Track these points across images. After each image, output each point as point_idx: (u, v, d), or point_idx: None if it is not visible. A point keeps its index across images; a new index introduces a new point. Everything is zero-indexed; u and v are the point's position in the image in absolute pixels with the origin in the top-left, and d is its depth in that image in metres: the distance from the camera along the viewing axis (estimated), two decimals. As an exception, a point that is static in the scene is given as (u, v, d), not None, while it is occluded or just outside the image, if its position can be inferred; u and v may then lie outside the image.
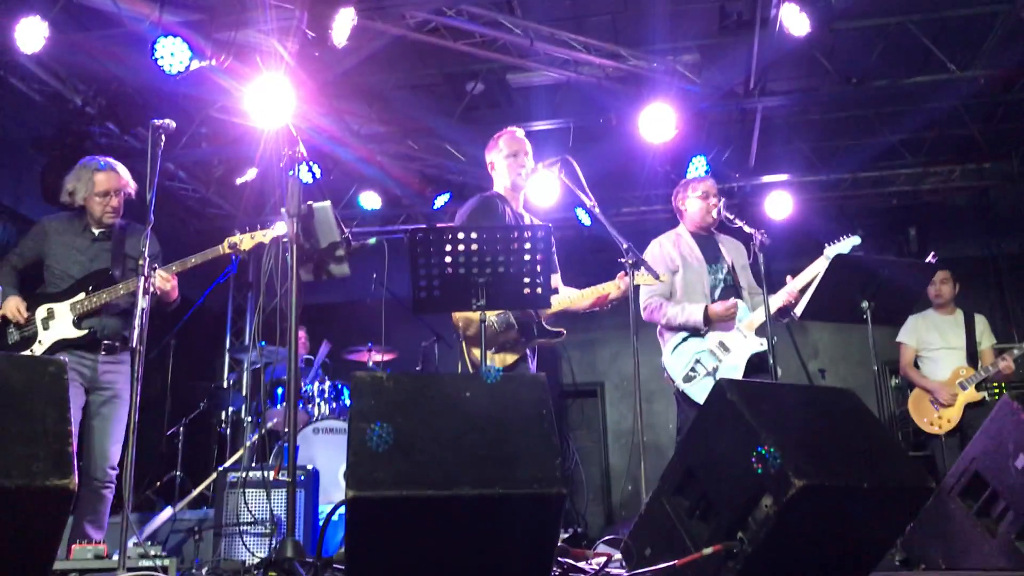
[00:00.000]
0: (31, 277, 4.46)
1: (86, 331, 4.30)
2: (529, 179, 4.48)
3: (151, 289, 3.65)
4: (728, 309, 4.71)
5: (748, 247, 4.79)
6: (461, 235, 3.54)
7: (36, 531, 2.43)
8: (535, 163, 4.50)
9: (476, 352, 4.10)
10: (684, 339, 4.81)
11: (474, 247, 3.51)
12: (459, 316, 4.18)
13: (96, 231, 4.50)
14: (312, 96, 6.81)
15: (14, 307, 4.28)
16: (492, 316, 4.12)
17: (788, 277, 4.72)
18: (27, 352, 4.23)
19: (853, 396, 3.36)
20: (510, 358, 4.16)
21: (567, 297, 4.23)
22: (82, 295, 4.32)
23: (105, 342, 4.34)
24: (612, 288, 4.22)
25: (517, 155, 4.46)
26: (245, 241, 4.34)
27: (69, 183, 4.51)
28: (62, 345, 4.26)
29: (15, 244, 4.64)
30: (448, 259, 3.52)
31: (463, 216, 4.35)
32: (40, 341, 4.28)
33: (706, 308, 4.72)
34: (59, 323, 4.30)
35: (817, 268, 4.62)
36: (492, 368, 3.98)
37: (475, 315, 4.04)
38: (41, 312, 4.32)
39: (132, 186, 4.56)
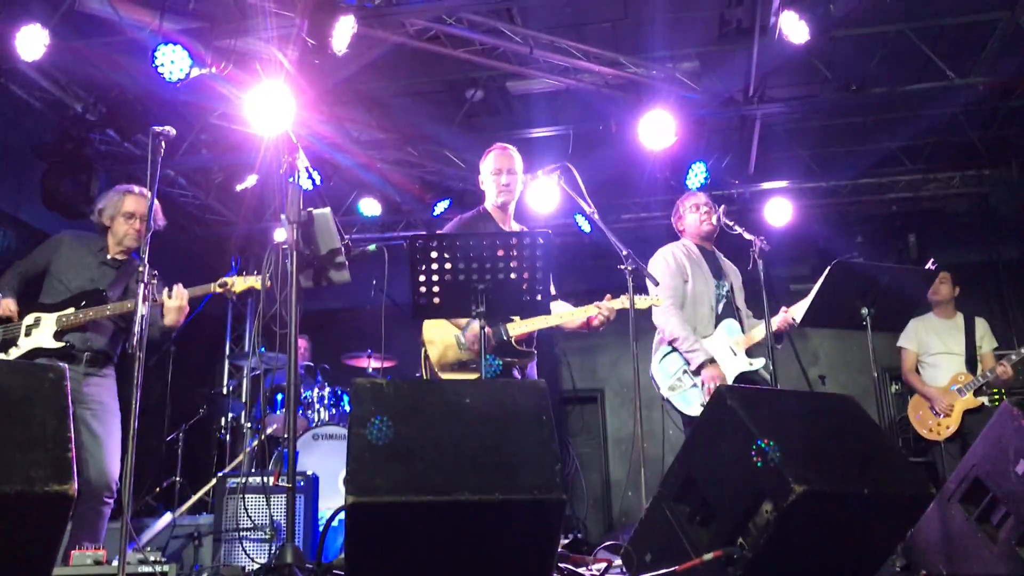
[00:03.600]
0: (36, 287, 4.47)
1: (63, 344, 4.28)
2: (518, 193, 4.47)
3: (150, 298, 3.63)
4: (718, 379, 4.61)
5: (748, 254, 4.78)
6: (461, 242, 3.55)
7: (35, 537, 2.43)
8: (535, 171, 4.51)
9: (446, 377, 4.11)
10: (674, 350, 4.82)
11: (474, 253, 3.51)
12: (429, 340, 4.17)
13: (110, 256, 4.53)
14: (312, 103, 6.83)
15: (5, 306, 4.28)
16: (460, 335, 4.12)
17: (783, 309, 4.72)
18: (2, 355, 4.22)
19: (853, 402, 3.36)
20: (472, 377, 4.11)
21: (555, 314, 4.18)
22: (71, 309, 4.32)
23: (87, 354, 4.33)
24: (594, 310, 4.13)
25: (501, 172, 4.41)
26: (237, 283, 4.31)
27: (100, 202, 4.61)
28: (37, 354, 4.23)
29: (17, 251, 4.66)
30: (448, 265, 3.52)
31: None
32: (18, 345, 4.26)
33: (711, 360, 4.65)
34: (41, 332, 4.29)
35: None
36: (493, 362, 3.98)
37: (448, 339, 4.12)
38: (28, 319, 4.31)
39: (161, 220, 4.46)
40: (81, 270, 4.45)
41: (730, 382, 4.68)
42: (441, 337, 4.14)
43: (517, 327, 4.12)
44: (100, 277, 4.48)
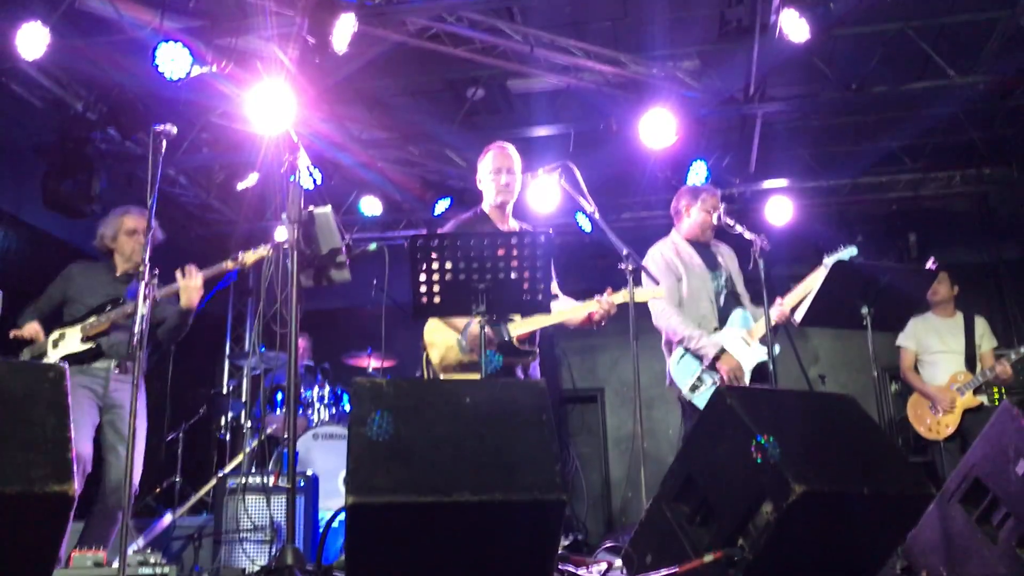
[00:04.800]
0: (55, 318, 4.65)
1: (90, 345, 4.44)
2: (516, 193, 4.46)
3: (152, 294, 3.63)
4: (737, 370, 4.64)
5: (748, 253, 4.77)
6: (461, 241, 3.55)
7: (35, 538, 2.43)
8: (536, 169, 4.50)
9: (447, 378, 4.10)
10: (688, 349, 4.80)
11: (474, 253, 3.51)
12: (431, 342, 4.17)
13: (119, 274, 4.71)
14: (313, 102, 6.82)
15: (32, 328, 4.48)
16: (461, 337, 4.12)
17: (778, 299, 4.70)
18: None
19: (853, 402, 3.36)
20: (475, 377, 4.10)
21: (559, 311, 4.17)
22: (93, 318, 4.49)
23: (114, 359, 4.48)
24: (594, 305, 4.13)
25: (500, 172, 4.40)
26: (248, 256, 4.45)
27: (101, 228, 4.80)
28: (67, 360, 4.37)
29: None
30: (448, 265, 3.52)
31: None
32: (48, 358, 4.42)
33: (723, 351, 4.66)
34: (67, 341, 4.47)
35: (813, 281, 4.60)
36: (494, 359, 3.97)
37: (448, 340, 4.12)
38: (53, 335, 4.50)
39: (160, 234, 4.63)
40: (97, 289, 4.64)
41: (748, 372, 4.67)
42: (442, 340, 4.14)
43: (518, 327, 4.12)
44: (115, 290, 4.64)
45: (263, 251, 4.41)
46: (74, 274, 4.71)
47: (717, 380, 4.64)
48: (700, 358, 4.71)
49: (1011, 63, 6.75)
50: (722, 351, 4.66)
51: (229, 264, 4.45)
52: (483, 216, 4.45)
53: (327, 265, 3.92)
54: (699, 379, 4.70)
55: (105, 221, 4.82)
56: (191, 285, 4.41)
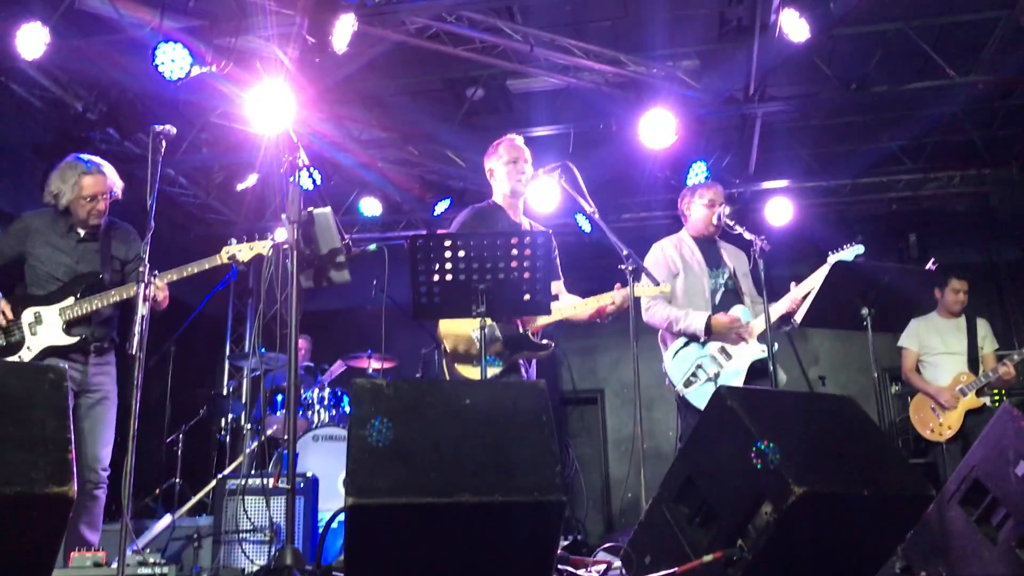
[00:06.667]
0: (10, 275, 4.33)
1: (77, 338, 4.22)
2: (529, 185, 4.46)
3: (151, 296, 3.61)
4: (732, 323, 4.67)
5: (749, 253, 4.77)
6: (461, 241, 3.54)
7: (35, 538, 2.43)
8: (535, 169, 4.50)
9: (460, 369, 4.10)
10: (685, 344, 4.79)
11: (474, 253, 3.51)
12: (446, 333, 4.16)
13: (81, 232, 4.38)
14: (312, 102, 6.82)
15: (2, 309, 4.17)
16: (476, 330, 4.11)
17: (792, 284, 4.69)
18: (14, 358, 4.13)
19: (853, 403, 3.36)
20: (492, 371, 4.07)
21: (567, 306, 4.20)
22: (71, 300, 4.23)
23: (94, 344, 4.28)
24: (609, 299, 4.15)
25: (517, 161, 4.40)
26: (244, 252, 4.26)
27: (53, 184, 4.32)
28: (51, 352, 4.18)
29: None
30: (448, 265, 3.52)
31: (455, 227, 4.32)
32: (28, 347, 4.17)
33: (709, 318, 4.68)
34: (47, 329, 4.19)
35: (821, 275, 4.60)
36: (494, 363, 3.97)
37: (463, 331, 4.09)
38: (28, 316, 4.20)
39: (119, 186, 4.42)
40: (60, 255, 4.31)
41: (745, 369, 4.66)
42: (457, 331, 4.11)
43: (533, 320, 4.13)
44: (83, 256, 4.36)
45: (260, 247, 4.22)
46: (32, 229, 4.32)
47: (712, 375, 4.65)
48: (695, 339, 4.71)
49: (1011, 63, 6.75)
50: (710, 319, 4.67)
51: (223, 257, 4.25)
52: (497, 206, 4.44)
53: (327, 266, 3.91)
54: (693, 375, 4.71)
55: (60, 174, 4.33)
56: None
